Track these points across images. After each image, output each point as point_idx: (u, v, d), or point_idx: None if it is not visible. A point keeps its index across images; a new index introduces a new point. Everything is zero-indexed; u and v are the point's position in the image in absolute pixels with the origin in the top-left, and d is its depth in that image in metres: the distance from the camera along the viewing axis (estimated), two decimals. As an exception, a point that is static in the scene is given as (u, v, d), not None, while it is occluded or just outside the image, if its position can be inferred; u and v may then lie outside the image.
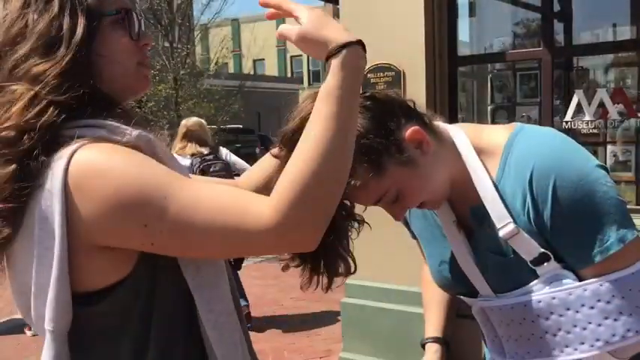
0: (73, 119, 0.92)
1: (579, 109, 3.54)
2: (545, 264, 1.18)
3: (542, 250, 1.17)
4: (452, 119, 3.69)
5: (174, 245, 0.90)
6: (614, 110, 3.47)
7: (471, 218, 1.26)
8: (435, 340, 1.49)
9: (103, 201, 0.87)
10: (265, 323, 5.15)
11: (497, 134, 1.25)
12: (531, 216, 1.16)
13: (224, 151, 5.05)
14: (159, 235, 0.87)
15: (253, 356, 1.13)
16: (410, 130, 1.17)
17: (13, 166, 0.88)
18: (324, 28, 0.93)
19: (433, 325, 1.51)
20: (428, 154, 1.19)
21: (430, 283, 1.54)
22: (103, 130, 0.92)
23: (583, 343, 1.18)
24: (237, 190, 0.96)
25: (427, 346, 1.49)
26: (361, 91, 1.03)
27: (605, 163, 3.70)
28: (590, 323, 1.17)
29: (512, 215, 1.18)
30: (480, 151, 1.23)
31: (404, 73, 3.58)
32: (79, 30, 0.94)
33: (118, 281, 0.93)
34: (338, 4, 3.93)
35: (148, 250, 0.90)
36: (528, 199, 1.16)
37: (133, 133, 0.93)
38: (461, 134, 1.25)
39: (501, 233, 1.18)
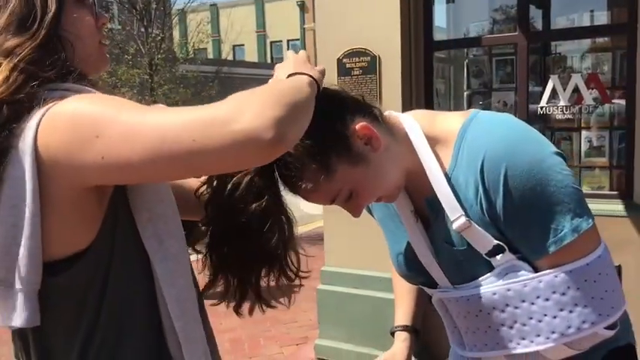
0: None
1: (554, 94, 3.53)
2: (500, 255, 1.15)
3: (497, 242, 1.14)
4: (428, 104, 3.67)
5: (125, 153, 0.84)
6: (588, 96, 3.47)
7: (427, 209, 1.24)
8: (404, 328, 1.47)
9: (62, 127, 0.88)
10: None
11: (451, 122, 1.21)
12: (484, 206, 1.13)
13: None
14: (108, 142, 0.85)
15: (214, 346, 1.13)
16: (357, 126, 1.13)
17: None
18: (283, 75, 1.05)
19: (402, 314, 1.50)
20: (379, 150, 1.15)
21: (399, 284, 1.53)
22: (69, 92, 0.95)
23: (539, 335, 1.16)
24: None
25: (396, 334, 1.48)
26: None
27: (580, 149, 3.72)
28: (545, 315, 1.15)
29: (465, 206, 1.15)
30: (433, 140, 1.19)
31: (379, 58, 3.55)
32: (52, 7, 0.99)
33: (79, 252, 0.94)
34: (313, -12, 3.88)
35: (101, 171, 0.87)
36: (480, 190, 1.13)
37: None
38: (414, 124, 1.21)
39: (454, 226, 1.16)
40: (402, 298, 1.52)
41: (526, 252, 1.16)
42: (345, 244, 3.73)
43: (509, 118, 1.19)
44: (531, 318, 1.16)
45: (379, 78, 3.56)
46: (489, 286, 1.17)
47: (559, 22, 4.40)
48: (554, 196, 1.10)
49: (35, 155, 0.88)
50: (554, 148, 1.15)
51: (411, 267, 1.32)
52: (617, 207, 3.25)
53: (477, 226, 1.14)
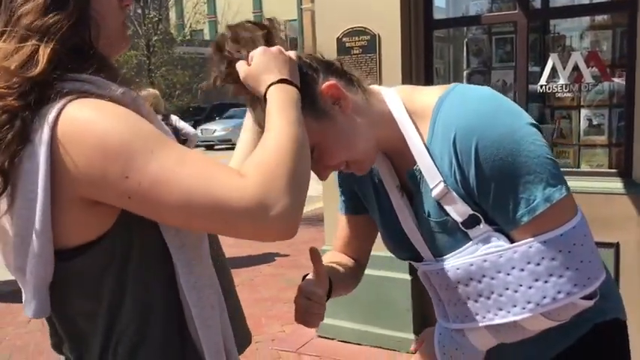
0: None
1: (554, 73, 3.53)
2: (477, 227, 1.17)
3: (472, 212, 1.16)
4: (428, 83, 3.66)
5: (151, 201, 0.87)
6: (588, 74, 3.47)
7: (409, 182, 1.26)
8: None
9: (88, 151, 0.87)
10: (243, 291, 5.16)
11: (429, 95, 1.23)
12: (458, 178, 1.15)
13: (174, 118, 5.81)
14: (137, 187, 0.86)
15: (240, 321, 1.13)
16: (325, 85, 1.15)
17: (18, 121, 0.88)
18: (263, 73, 1.06)
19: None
20: (346, 112, 1.17)
21: (333, 253, 1.54)
22: (91, 84, 0.93)
23: (515, 306, 1.17)
24: (221, 163, 0.94)
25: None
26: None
27: (579, 127, 3.72)
28: (520, 286, 1.16)
29: (442, 177, 1.17)
30: (412, 114, 1.21)
31: (379, 36, 3.53)
32: None
33: (94, 239, 0.94)
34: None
35: (124, 204, 0.90)
36: (454, 162, 1.14)
37: (119, 90, 0.95)
38: (394, 97, 1.23)
39: (433, 193, 1.18)
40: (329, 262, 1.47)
41: (501, 223, 1.17)
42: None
43: (485, 91, 1.20)
44: (507, 289, 1.17)
45: (379, 57, 3.55)
46: (466, 257, 1.19)
47: None
48: (525, 166, 1.11)
49: (51, 157, 0.88)
50: (529, 119, 1.15)
51: (398, 241, 1.34)
52: (617, 185, 3.27)
53: (454, 193, 1.16)
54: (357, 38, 3.59)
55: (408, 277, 3.63)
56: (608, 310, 1.28)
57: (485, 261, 1.18)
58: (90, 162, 0.87)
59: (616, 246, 3.13)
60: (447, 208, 1.18)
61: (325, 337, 3.94)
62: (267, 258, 6.18)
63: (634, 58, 3.20)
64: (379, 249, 3.92)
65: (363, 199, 1.45)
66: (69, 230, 0.93)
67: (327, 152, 1.18)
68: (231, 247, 6.65)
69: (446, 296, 1.29)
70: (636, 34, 3.17)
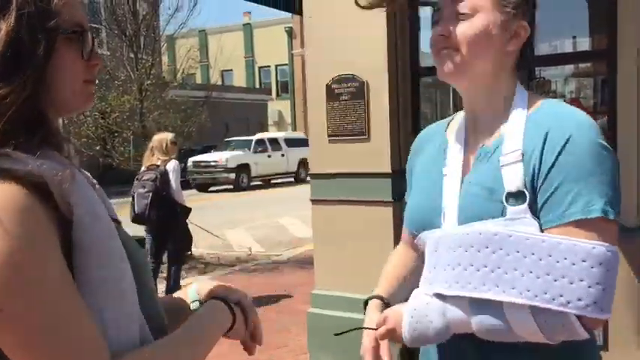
0: None
1: (538, 118, 3.60)
2: (519, 205, 1.20)
3: (524, 189, 1.21)
4: (415, 128, 3.73)
5: (6, 340, 0.82)
6: (571, 120, 3.54)
7: (477, 157, 1.33)
8: (378, 297, 1.50)
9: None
10: (232, 335, 5.09)
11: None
12: (533, 160, 1.21)
13: (170, 167, 5.56)
14: (3, 325, 0.80)
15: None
16: (522, 25, 1.29)
17: None
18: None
19: (381, 288, 1.54)
20: (504, 49, 1.29)
21: (392, 260, 1.61)
22: (8, 161, 0.83)
23: (514, 288, 1.16)
24: (95, 336, 0.86)
25: (370, 302, 1.51)
26: None
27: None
28: (530, 272, 1.15)
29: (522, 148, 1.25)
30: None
31: (367, 83, 3.61)
32: (40, 49, 0.88)
33: None
34: (302, 15, 3.96)
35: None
36: (539, 146, 1.22)
37: (36, 163, 0.84)
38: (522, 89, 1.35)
39: (505, 157, 1.24)
40: (385, 278, 1.57)
41: (547, 217, 1.19)
42: (335, 267, 3.75)
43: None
44: (516, 269, 1.16)
45: (367, 103, 3.62)
46: (494, 226, 1.20)
47: (542, 48, 4.51)
48: (600, 176, 1.17)
49: None
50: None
51: (425, 214, 1.38)
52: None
53: (522, 166, 1.22)
54: (345, 85, 3.68)
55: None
56: None
57: (510, 236, 1.18)
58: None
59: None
60: (506, 174, 1.23)
61: (315, 383, 3.89)
62: (256, 302, 6.13)
63: (615, 106, 3.28)
64: (366, 293, 3.87)
65: (411, 175, 1.53)
66: None
67: (465, 32, 1.28)
68: (221, 290, 6.61)
69: (447, 259, 1.26)
70: (616, 82, 3.26)
